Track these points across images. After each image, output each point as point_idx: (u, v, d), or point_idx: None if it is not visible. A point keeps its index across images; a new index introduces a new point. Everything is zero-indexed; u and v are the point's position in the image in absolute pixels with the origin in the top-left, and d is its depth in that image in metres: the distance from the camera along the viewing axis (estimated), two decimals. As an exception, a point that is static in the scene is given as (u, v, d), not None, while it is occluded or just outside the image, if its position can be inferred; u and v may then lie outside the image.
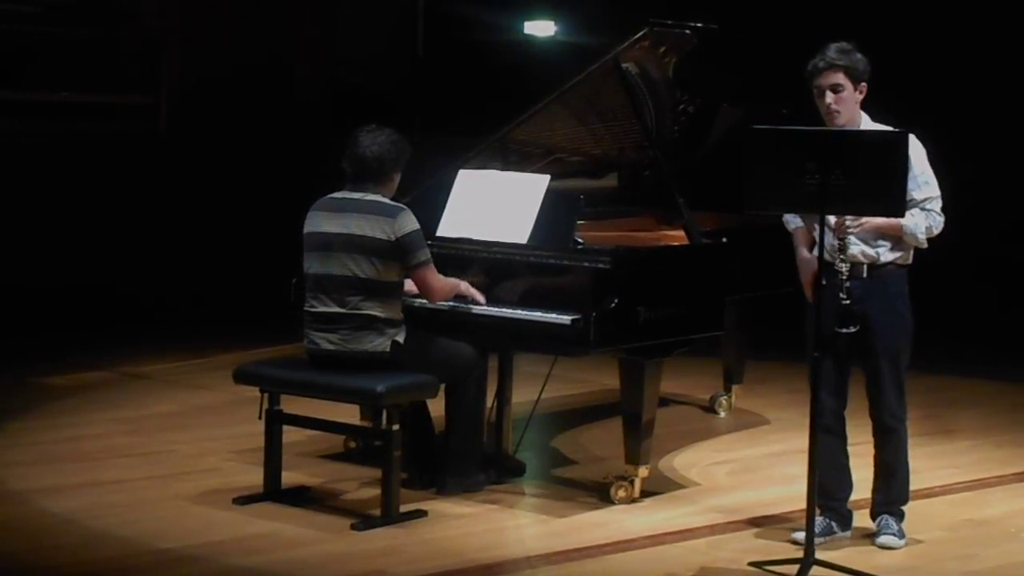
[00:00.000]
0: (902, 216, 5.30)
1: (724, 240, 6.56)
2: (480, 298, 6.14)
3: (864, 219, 5.45)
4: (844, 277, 5.41)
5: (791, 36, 10.10)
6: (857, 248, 5.52)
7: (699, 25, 6.85)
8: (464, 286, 6.13)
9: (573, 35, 11.99)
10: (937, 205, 5.52)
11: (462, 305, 6.13)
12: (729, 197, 5.88)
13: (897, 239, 5.54)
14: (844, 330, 5.37)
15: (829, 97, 5.47)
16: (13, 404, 7.72)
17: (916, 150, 5.49)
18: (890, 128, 5.48)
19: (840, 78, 5.46)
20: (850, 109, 5.51)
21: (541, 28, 12.33)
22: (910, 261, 5.62)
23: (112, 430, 7.29)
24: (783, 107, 6.98)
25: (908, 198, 5.45)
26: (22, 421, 7.43)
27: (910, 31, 10.76)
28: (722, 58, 7.08)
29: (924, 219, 5.49)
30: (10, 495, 6.12)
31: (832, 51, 5.49)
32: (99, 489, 6.21)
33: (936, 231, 5.53)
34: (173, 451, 6.90)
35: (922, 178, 5.50)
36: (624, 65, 6.63)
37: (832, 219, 5.48)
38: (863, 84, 5.51)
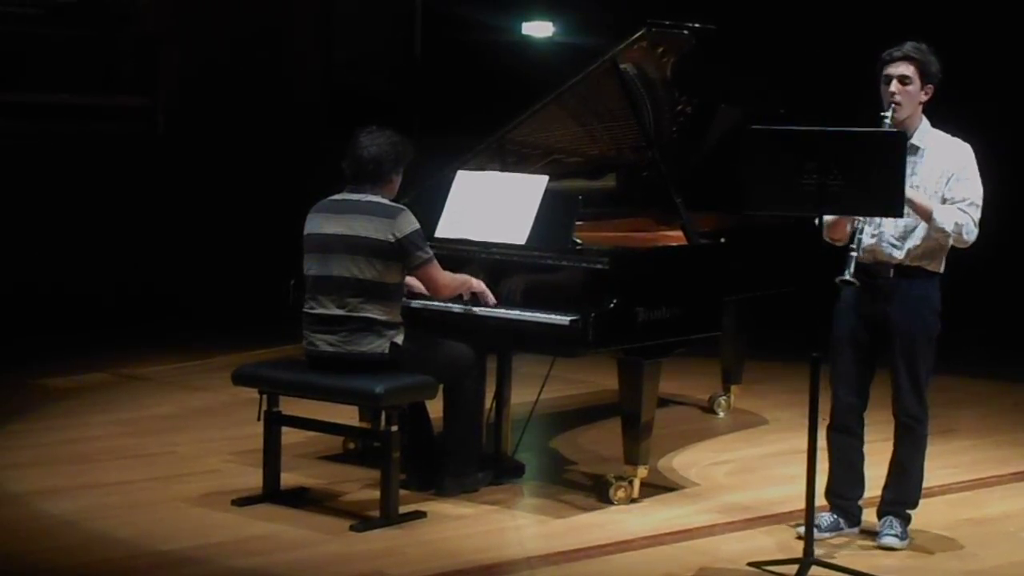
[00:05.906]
0: (901, 216, 5.28)
1: (722, 240, 6.57)
2: (491, 299, 6.12)
3: None
4: (854, 245, 5.30)
5: (789, 37, 10.15)
6: (885, 248, 5.49)
7: (697, 26, 6.86)
8: (477, 283, 6.09)
9: (571, 36, 11.97)
10: (974, 211, 5.46)
11: (474, 306, 6.10)
12: (727, 197, 5.88)
13: (929, 239, 5.46)
14: (843, 279, 5.25)
15: (895, 86, 5.45)
16: (12, 406, 7.72)
17: (966, 157, 5.50)
18: (948, 135, 5.49)
19: (911, 71, 5.46)
20: (912, 105, 5.49)
21: (539, 29, 12.31)
22: (941, 270, 5.57)
23: (111, 432, 7.28)
24: (781, 107, 6.99)
25: (948, 197, 5.46)
26: (21, 423, 7.42)
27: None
28: (720, 59, 7.08)
29: (956, 215, 5.43)
30: (8, 497, 6.11)
31: (909, 45, 5.50)
32: (98, 491, 6.21)
33: (966, 237, 5.44)
34: (172, 453, 6.89)
35: (966, 181, 5.47)
36: (622, 66, 6.64)
37: None
38: (930, 86, 5.50)
